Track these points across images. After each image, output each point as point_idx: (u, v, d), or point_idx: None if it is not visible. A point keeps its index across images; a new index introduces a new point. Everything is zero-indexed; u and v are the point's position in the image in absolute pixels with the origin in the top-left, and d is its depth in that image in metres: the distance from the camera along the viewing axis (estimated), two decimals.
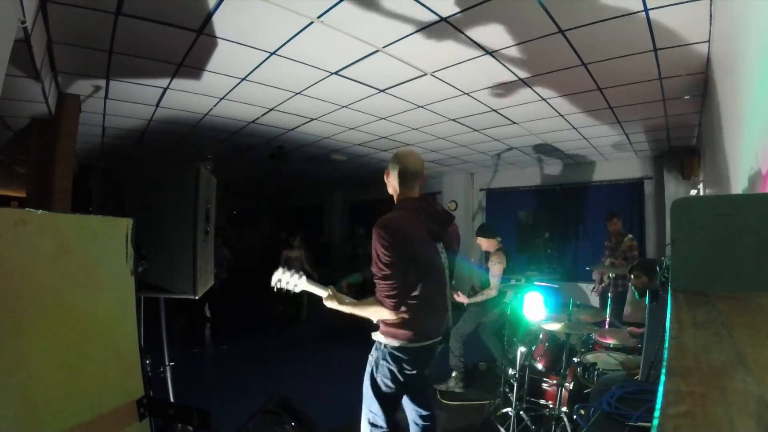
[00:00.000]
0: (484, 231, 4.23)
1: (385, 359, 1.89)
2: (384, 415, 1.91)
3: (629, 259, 4.86)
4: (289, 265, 2.06)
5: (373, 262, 1.84)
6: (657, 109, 4.06)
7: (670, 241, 0.79)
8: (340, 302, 1.94)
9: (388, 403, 1.94)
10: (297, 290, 2.00)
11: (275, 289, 2.01)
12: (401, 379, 1.89)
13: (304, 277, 2.00)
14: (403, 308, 1.82)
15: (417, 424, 2.11)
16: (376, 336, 1.99)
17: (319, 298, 2.01)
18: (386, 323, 1.89)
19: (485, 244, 4.15)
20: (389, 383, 1.89)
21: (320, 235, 11.25)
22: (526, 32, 2.63)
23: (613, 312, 4.14)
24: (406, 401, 2.09)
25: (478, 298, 3.91)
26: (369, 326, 2.10)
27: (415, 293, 1.85)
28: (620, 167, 6.59)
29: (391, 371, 1.88)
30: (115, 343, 1.36)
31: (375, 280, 1.84)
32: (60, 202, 3.44)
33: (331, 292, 1.96)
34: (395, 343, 1.87)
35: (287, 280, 1.98)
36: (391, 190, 2.05)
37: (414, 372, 1.92)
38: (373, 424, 1.93)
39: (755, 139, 1.55)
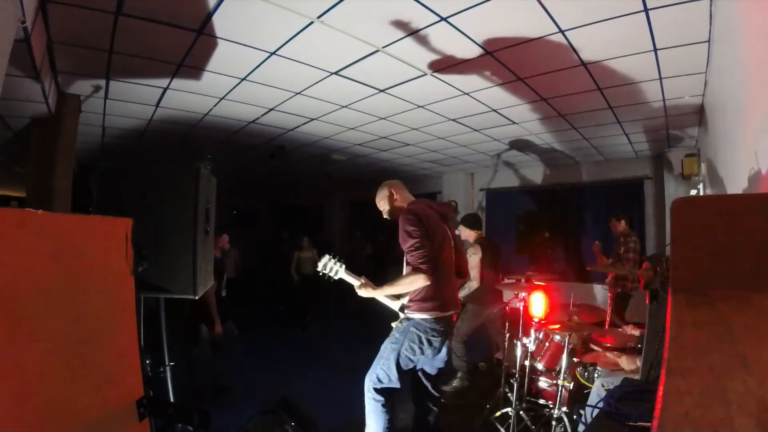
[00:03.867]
0: (468, 221, 4.21)
1: (415, 327, 2.18)
2: (396, 374, 2.16)
3: (623, 260, 4.65)
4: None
5: (401, 242, 2.16)
6: (657, 109, 4.06)
7: (670, 241, 0.79)
8: (374, 288, 2.23)
9: (403, 367, 2.20)
10: (336, 277, 2.33)
11: (320, 274, 2.36)
12: (426, 344, 2.18)
13: (344, 267, 2.32)
14: (435, 274, 2.12)
15: (426, 411, 2.35)
16: (406, 314, 2.26)
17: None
18: (418, 300, 2.18)
19: (465, 233, 4.17)
20: (415, 348, 2.17)
21: (320, 235, 11.24)
22: (526, 32, 2.63)
23: (614, 310, 4.13)
24: (419, 383, 2.33)
25: (463, 293, 3.87)
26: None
27: (436, 269, 2.13)
28: (620, 167, 6.57)
29: (419, 337, 2.17)
30: (115, 343, 1.36)
31: (407, 256, 2.15)
32: (60, 202, 3.44)
33: (364, 281, 2.27)
34: (426, 315, 2.17)
35: (331, 266, 2.27)
36: (398, 202, 2.42)
37: (437, 339, 2.20)
38: (379, 380, 2.18)
39: (755, 139, 1.55)
